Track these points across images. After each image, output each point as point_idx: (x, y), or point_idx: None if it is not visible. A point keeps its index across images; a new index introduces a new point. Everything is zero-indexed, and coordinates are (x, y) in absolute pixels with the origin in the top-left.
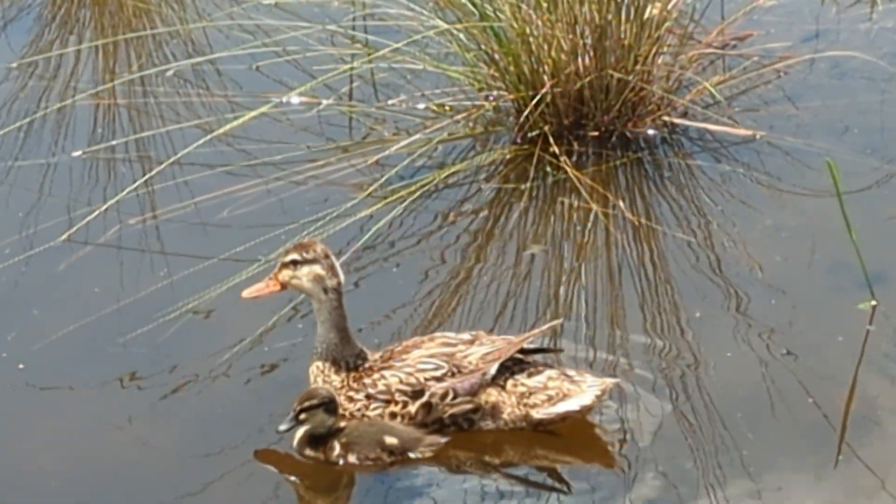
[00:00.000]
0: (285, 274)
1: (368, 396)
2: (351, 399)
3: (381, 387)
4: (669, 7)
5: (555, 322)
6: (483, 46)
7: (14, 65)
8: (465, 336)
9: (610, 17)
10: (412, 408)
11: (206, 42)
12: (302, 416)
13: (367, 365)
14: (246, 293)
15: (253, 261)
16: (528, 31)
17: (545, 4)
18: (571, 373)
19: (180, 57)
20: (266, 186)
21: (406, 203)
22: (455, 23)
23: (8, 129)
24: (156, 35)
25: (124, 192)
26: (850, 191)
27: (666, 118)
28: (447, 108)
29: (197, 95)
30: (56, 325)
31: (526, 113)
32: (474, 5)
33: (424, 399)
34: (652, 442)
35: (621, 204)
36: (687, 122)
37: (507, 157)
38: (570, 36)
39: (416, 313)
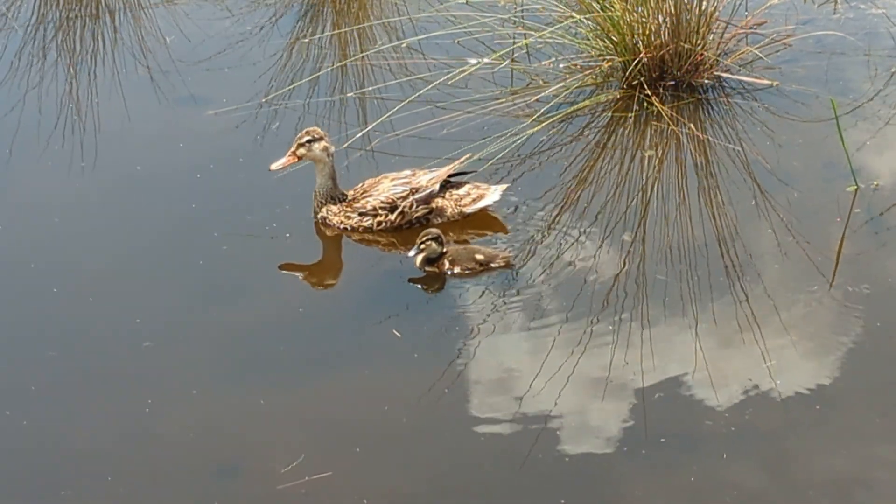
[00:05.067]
0: (301, 150)
1: (361, 214)
2: (348, 217)
3: (368, 207)
4: (717, 4)
5: (463, 158)
6: (602, 28)
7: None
8: (407, 171)
9: (681, 9)
10: (392, 217)
11: (417, 27)
12: (422, 247)
13: (350, 197)
14: (274, 166)
15: (462, 154)
16: (630, 18)
17: (641, 1)
18: (480, 184)
19: (402, 37)
20: (467, 115)
21: (553, 125)
22: (585, 13)
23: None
24: (384, 23)
25: (380, 120)
26: (840, 115)
27: (716, 73)
28: (579, 66)
29: (420, 58)
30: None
31: (629, 70)
32: (598, 2)
33: (399, 210)
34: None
35: (690, 125)
36: (729, 76)
37: (618, 97)
38: (657, 21)
39: (560, 191)
